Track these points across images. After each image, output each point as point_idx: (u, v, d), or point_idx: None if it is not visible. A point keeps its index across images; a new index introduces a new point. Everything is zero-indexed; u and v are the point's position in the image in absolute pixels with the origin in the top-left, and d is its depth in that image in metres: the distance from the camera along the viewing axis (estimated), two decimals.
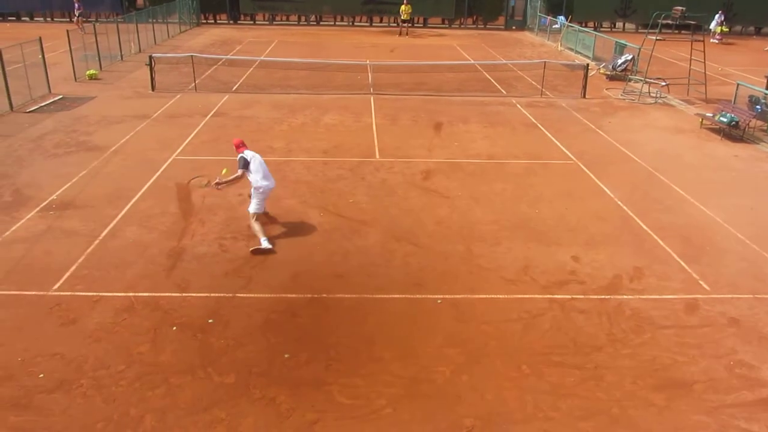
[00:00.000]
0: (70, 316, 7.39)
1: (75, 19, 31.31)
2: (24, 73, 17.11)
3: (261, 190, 9.31)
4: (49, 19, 36.35)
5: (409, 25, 34.24)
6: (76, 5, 31.73)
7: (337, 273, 8.61)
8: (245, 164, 9.25)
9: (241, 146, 9.54)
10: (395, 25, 38.39)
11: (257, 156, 9.44)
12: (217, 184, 9.33)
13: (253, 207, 9.42)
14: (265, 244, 9.12)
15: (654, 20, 19.77)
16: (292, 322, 7.46)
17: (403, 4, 33.42)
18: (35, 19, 36.86)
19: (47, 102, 17.18)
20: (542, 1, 37.19)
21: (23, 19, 36.41)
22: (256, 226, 9.31)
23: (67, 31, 20.50)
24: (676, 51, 25.90)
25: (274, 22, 38.20)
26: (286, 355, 6.81)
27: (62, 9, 36.64)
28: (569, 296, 8.15)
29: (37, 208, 10.33)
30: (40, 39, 18.42)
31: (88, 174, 11.92)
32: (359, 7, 37.49)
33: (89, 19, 31.23)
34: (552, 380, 6.54)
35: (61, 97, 17.78)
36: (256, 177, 9.26)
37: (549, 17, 34.44)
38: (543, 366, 6.75)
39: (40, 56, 18.14)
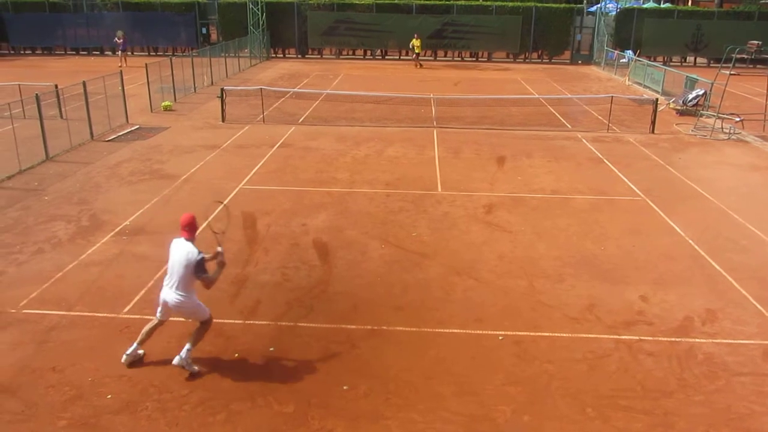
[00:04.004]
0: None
1: (119, 54, 33.03)
2: (105, 104, 18.08)
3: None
4: (129, 53, 38.28)
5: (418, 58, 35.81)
6: (121, 41, 33.36)
7: (397, 305, 8.59)
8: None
9: (182, 229, 7.01)
10: (459, 59, 38.75)
11: (173, 245, 7.07)
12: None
13: None
14: (128, 354, 7.05)
15: (728, 54, 19.23)
16: (351, 353, 7.47)
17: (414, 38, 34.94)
18: (117, 53, 38.87)
19: (125, 131, 18.02)
20: (609, 36, 36.78)
21: (106, 53, 38.52)
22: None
23: (146, 64, 21.54)
24: (751, 86, 25.02)
25: (341, 56, 39.09)
26: (344, 387, 6.81)
27: (141, 44, 38.75)
28: (637, 337, 7.86)
29: (112, 233, 10.77)
30: (121, 72, 19.49)
31: (160, 201, 12.37)
32: (424, 41, 37.91)
33: (169, 53, 32.79)
34: (618, 425, 6.28)
35: (137, 127, 18.63)
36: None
37: (616, 51, 33.97)
38: (609, 410, 6.51)
39: (120, 88, 19.13)
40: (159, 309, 7.11)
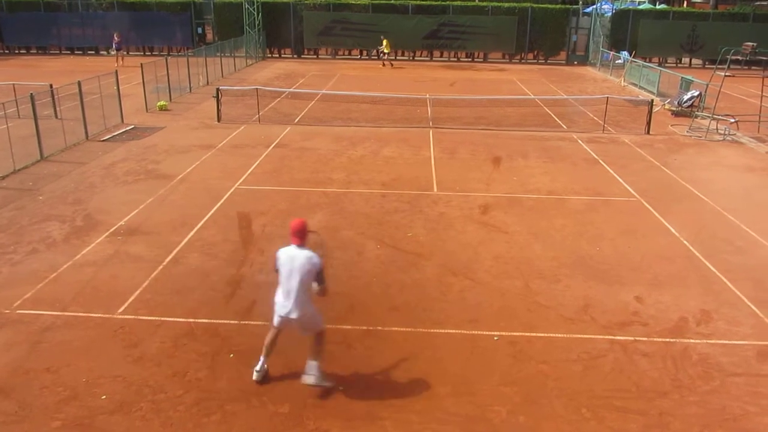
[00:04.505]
0: (132, 340, 7.60)
1: (115, 54, 32.92)
2: (100, 103, 18.01)
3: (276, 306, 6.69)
4: (124, 53, 38.20)
5: (388, 58, 36.02)
6: (115, 40, 33.28)
7: (392, 306, 8.59)
8: (274, 266, 6.74)
9: (294, 235, 6.60)
10: (455, 59, 38.79)
11: (286, 254, 6.60)
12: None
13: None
14: (258, 371, 6.83)
15: (723, 56, 19.29)
16: (347, 354, 7.46)
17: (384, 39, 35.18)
18: (111, 52, 38.80)
19: (120, 131, 17.97)
20: (605, 37, 36.85)
21: (101, 53, 38.42)
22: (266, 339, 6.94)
23: (141, 64, 21.49)
24: (746, 87, 25.13)
25: (337, 57, 39.07)
26: (340, 387, 6.80)
27: (136, 44, 38.64)
28: (632, 338, 7.87)
29: (106, 233, 10.73)
30: (116, 72, 19.45)
31: (155, 201, 12.34)
32: (420, 41, 38.00)
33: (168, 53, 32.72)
34: (614, 426, 6.29)
35: (132, 127, 18.58)
36: (279, 289, 6.66)
37: (612, 52, 34.05)
38: (604, 410, 6.51)
39: (115, 88, 19.06)
40: (278, 321, 6.71)
